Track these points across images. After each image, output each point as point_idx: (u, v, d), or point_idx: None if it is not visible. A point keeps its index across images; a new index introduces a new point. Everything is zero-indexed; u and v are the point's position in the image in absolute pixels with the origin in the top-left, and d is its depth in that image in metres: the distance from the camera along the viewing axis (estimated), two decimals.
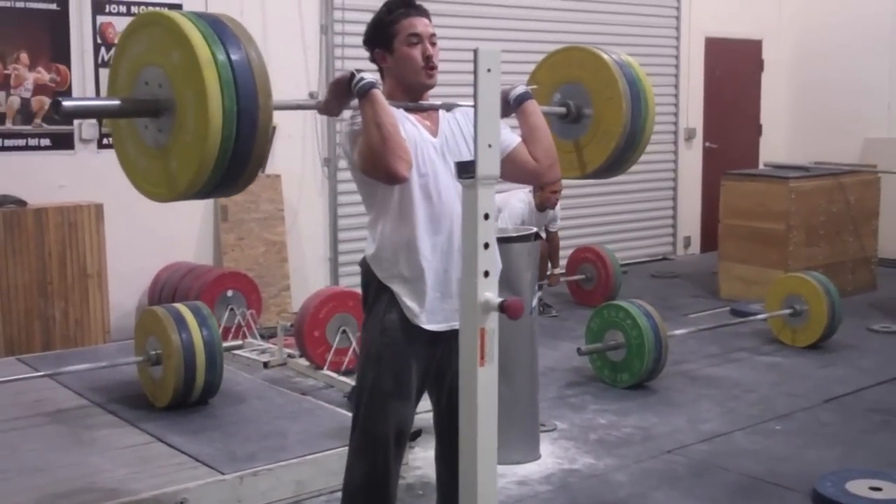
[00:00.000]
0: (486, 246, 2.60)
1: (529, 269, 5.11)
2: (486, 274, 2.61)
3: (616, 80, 3.94)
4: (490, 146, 2.59)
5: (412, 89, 3.31)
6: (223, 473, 4.52)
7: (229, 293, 7.46)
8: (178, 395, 5.50)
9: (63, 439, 5.14)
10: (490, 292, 2.62)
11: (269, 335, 7.54)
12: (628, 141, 3.93)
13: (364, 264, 3.40)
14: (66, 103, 2.71)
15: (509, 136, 3.36)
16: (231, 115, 2.68)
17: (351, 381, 6.12)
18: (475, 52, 2.56)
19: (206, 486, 4.41)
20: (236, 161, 2.75)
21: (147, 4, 7.63)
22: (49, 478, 4.54)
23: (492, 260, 2.66)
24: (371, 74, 3.10)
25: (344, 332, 6.53)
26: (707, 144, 11.78)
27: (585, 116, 4.01)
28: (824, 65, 12.07)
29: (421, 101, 3.31)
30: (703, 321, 8.08)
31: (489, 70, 2.54)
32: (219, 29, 2.77)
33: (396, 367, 3.27)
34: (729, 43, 11.86)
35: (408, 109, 3.25)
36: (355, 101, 3.09)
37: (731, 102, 12.04)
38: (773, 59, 12.43)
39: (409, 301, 3.25)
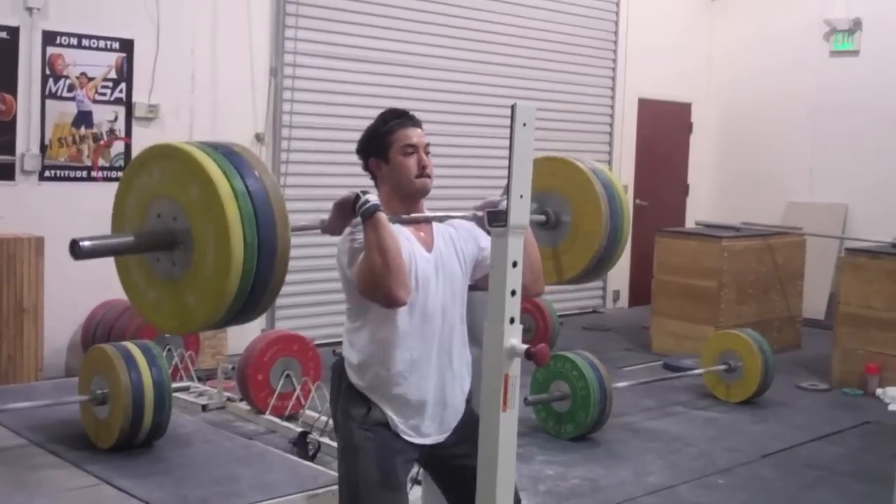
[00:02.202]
0: (514, 293, 2.63)
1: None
2: (512, 320, 2.64)
3: (592, 183, 4.05)
4: (522, 196, 2.64)
5: (408, 196, 3.32)
6: None
7: (167, 334, 7.34)
8: (123, 436, 5.39)
9: (6, 480, 4.99)
10: (515, 338, 2.65)
11: (205, 377, 7.43)
12: (610, 241, 4.03)
13: (339, 366, 3.36)
14: (85, 244, 2.66)
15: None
16: (252, 248, 2.65)
17: (294, 428, 6.08)
18: (513, 106, 2.62)
19: None
20: (256, 293, 2.71)
21: (98, 38, 7.57)
22: None
23: (517, 307, 2.69)
24: (374, 196, 3.10)
25: (288, 376, 6.47)
26: (637, 201, 11.97)
27: (563, 223, 4.10)
28: (750, 130, 12.41)
29: (415, 214, 3.31)
30: (639, 374, 8.19)
31: (524, 124, 2.61)
32: (234, 160, 2.75)
33: (380, 459, 3.21)
34: (660, 105, 12.14)
35: (402, 223, 3.25)
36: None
37: (661, 162, 12.29)
38: (701, 122, 12.75)
39: (391, 413, 3.24)
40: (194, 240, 2.72)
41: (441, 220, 3.39)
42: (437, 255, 3.30)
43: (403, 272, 3.02)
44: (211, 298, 2.69)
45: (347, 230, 3.17)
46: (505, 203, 3.31)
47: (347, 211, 3.07)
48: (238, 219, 2.63)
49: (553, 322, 8.88)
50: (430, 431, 3.28)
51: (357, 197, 3.05)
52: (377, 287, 3.00)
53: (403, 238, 3.20)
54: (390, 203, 3.27)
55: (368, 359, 3.24)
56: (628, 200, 4.17)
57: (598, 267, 4.12)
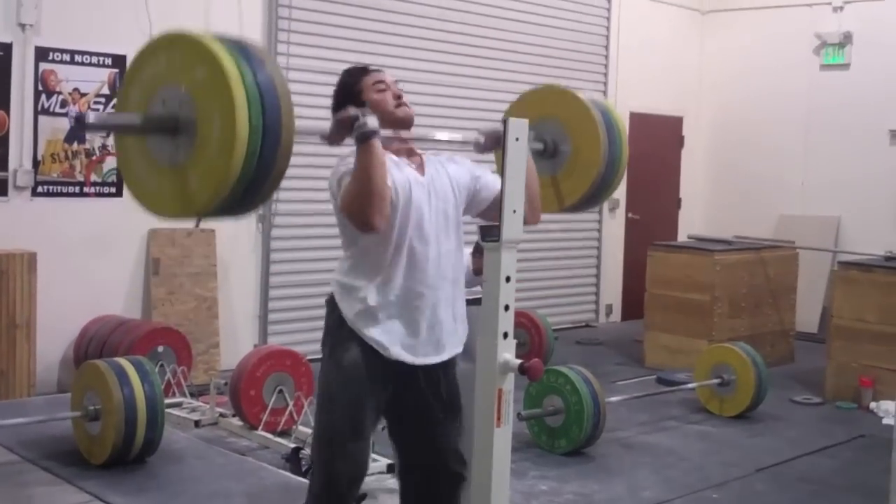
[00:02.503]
0: (507, 308, 2.63)
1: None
2: (506, 335, 2.63)
3: (590, 110, 4.05)
4: (515, 211, 2.64)
5: (394, 126, 3.44)
6: None
7: (160, 349, 7.33)
8: (116, 452, 5.38)
9: None
10: (509, 353, 2.65)
11: (197, 393, 7.41)
12: (608, 170, 4.02)
13: (331, 302, 3.48)
14: (91, 118, 2.73)
15: (494, 180, 3.50)
16: (257, 130, 2.67)
17: (286, 443, 6.06)
18: (504, 122, 2.62)
19: None
20: (258, 178, 2.74)
21: (90, 54, 7.57)
22: None
23: (510, 322, 2.69)
24: (374, 119, 3.18)
25: (280, 391, 6.44)
26: (630, 215, 12.00)
27: (562, 152, 4.10)
28: (741, 143, 12.44)
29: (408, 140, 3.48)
30: (632, 389, 8.18)
31: (517, 139, 2.61)
32: (243, 49, 2.78)
33: (352, 411, 3.37)
34: (652, 118, 12.16)
35: (398, 140, 3.41)
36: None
37: (652, 175, 12.30)
38: (692, 135, 12.78)
39: (382, 339, 3.34)
40: (199, 122, 2.75)
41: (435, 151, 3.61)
42: (429, 181, 3.42)
43: (385, 201, 3.13)
44: (213, 179, 2.72)
45: (345, 151, 3.32)
46: None
47: (346, 128, 3.18)
48: (244, 99, 2.66)
49: (548, 337, 8.87)
50: (427, 352, 3.40)
51: (357, 117, 3.16)
52: (355, 208, 3.13)
53: (393, 164, 3.33)
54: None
55: (360, 286, 3.35)
56: (625, 128, 4.16)
57: (596, 194, 4.11)
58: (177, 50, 2.86)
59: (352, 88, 3.51)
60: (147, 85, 2.90)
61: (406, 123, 3.48)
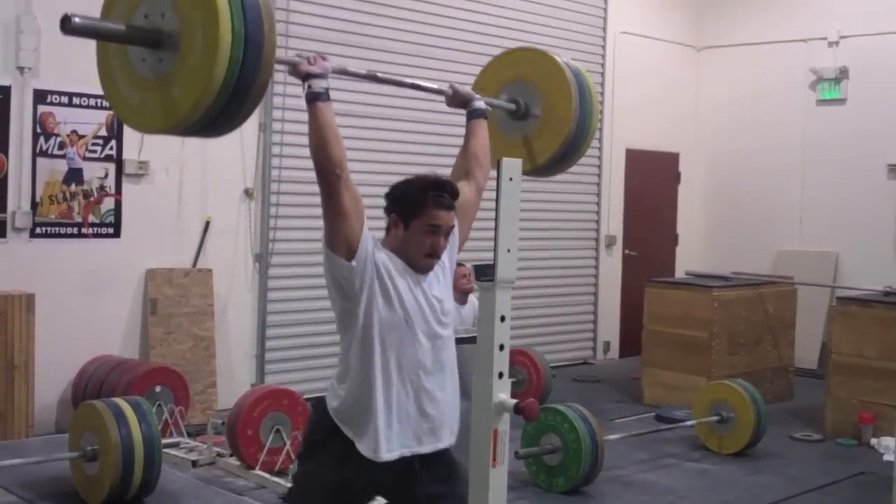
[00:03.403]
0: (502, 347, 2.63)
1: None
2: (501, 375, 2.63)
3: (563, 71, 4.15)
4: (509, 251, 2.64)
5: (410, 264, 3.38)
6: None
7: (158, 389, 7.31)
8: (113, 492, 5.39)
9: None
10: (504, 393, 2.65)
11: (194, 432, 7.40)
12: (579, 128, 4.08)
13: (319, 403, 3.45)
14: (76, 20, 2.74)
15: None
16: (239, 37, 2.74)
17: (284, 483, 6.04)
18: (499, 161, 2.64)
19: None
20: (241, 88, 2.79)
21: (88, 96, 7.61)
22: None
23: (506, 362, 2.69)
24: (320, 81, 3.22)
25: (278, 431, 6.44)
26: (626, 252, 12.02)
27: (533, 114, 4.14)
28: (738, 179, 12.48)
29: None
30: (631, 426, 8.15)
31: (511, 179, 2.62)
32: None
33: None
34: (648, 155, 12.20)
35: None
36: None
37: (649, 212, 12.34)
38: (689, 171, 12.82)
39: (378, 436, 3.26)
40: (182, 33, 2.81)
41: None
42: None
43: (337, 138, 3.20)
44: (197, 87, 2.77)
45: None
46: (480, 102, 3.73)
47: (298, 77, 3.22)
48: (227, 6, 2.73)
49: (546, 375, 8.85)
50: (410, 433, 3.32)
51: (304, 78, 3.20)
52: (317, 152, 3.17)
53: (401, 280, 3.31)
54: (396, 251, 3.37)
55: (355, 382, 3.33)
56: (597, 94, 4.22)
57: (566, 154, 4.18)
58: None
59: (411, 207, 3.39)
60: (128, 2, 2.96)
61: (420, 271, 3.39)
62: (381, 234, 3.44)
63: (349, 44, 9.00)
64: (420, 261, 3.35)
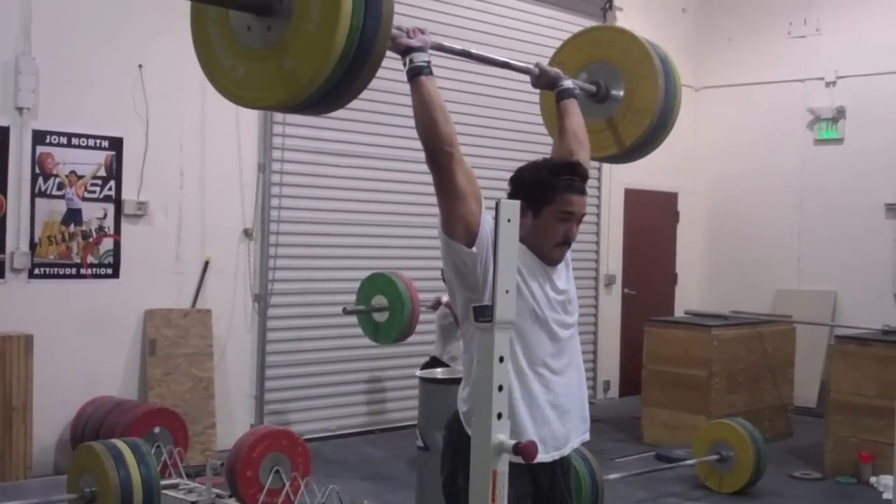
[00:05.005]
0: (500, 388, 2.62)
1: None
2: (500, 416, 2.63)
3: (651, 58, 3.93)
4: (507, 292, 2.65)
5: (539, 254, 3.28)
6: None
7: (156, 430, 7.29)
8: None
9: None
10: (503, 434, 2.64)
11: (194, 474, 7.36)
12: (660, 120, 3.93)
13: (452, 424, 3.32)
14: None
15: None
16: (360, 3, 2.58)
17: None
18: (497, 202, 2.64)
19: None
20: (360, 56, 2.62)
21: (87, 137, 7.65)
22: None
23: (504, 402, 2.68)
24: (421, 55, 3.07)
25: (277, 471, 6.40)
26: (626, 291, 12.03)
27: (613, 97, 4.00)
28: (737, 218, 12.52)
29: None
30: (631, 466, 8.13)
31: (509, 220, 2.62)
32: None
33: None
34: (647, 194, 12.24)
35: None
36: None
37: (648, 251, 12.36)
38: (688, 210, 12.85)
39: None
40: None
41: None
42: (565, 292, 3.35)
43: (444, 113, 3.08)
44: (315, 56, 2.58)
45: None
46: (567, 82, 3.64)
47: (398, 52, 3.08)
48: None
49: None
50: (558, 434, 3.32)
51: (404, 53, 3.06)
52: (425, 130, 3.06)
53: (535, 283, 3.23)
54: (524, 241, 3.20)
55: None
56: (681, 85, 4.04)
57: (643, 144, 4.03)
58: None
59: (543, 193, 3.25)
60: None
61: (551, 262, 3.29)
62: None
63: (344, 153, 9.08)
64: (554, 253, 3.25)
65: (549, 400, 3.23)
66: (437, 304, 7.56)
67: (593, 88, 4.04)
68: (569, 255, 3.38)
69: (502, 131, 10.41)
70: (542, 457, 3.15)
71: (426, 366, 7.34)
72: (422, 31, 3.11)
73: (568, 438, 3.35)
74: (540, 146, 10.51)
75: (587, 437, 3.48)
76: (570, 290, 3.36)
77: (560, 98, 3.71)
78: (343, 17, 2.55)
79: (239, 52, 2.79)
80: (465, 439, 2.97)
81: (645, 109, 3.95)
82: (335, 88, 2.69)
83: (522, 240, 3.11)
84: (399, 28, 3.01)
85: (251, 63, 2.76)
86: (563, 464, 3.42)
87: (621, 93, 4.01)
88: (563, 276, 3.34)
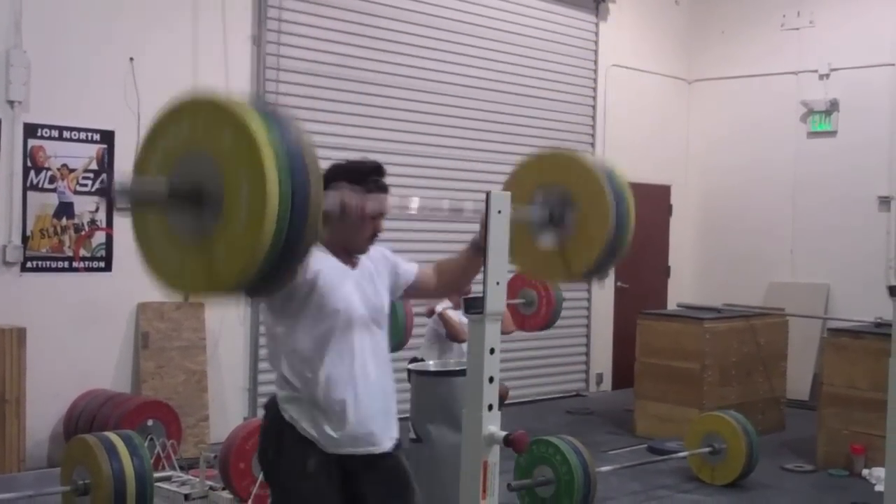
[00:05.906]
0: (491, 380, 2.63)
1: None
2: (490, 407, 2.64)
3: (604, 191, 3.85)
4: (498, 283, 2.65)
5: (349, 248, 3.46)
6: None
7: (149, 422, 7.30)
8: None
9: None
10: (494, 425, 2.65)
11: (187, 466, 7.36)
12: (609, 248, 3.92)
13: (273, 406, 3.47)
14: (118, 188, 2.61)
15: (407, 267, 3.65)
16: (286, 199, 2.50)
17: None
18: (487, 194, 2.65)
19: None
20: (287, 250, 2.55)
21: (79, 130, 7.64)
22: None
23: (495, 394, 2.70)
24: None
25: None
26: (619, 284, 12.03)
27: (567, 221, 3.97)
28: (730, 211, 12.54)
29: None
30: (623, 458, 8.14)
31: (500, 212, 2.63)
32: (268, 110, 2.62)
33: None
34: (639, 187, 12.04)
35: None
36: None
37: (641, 244, 12.17)
38: (680, 203, 12.87)
39: (328, 429, 3.32)
40: (226, 190, 2.56)
41: None
42: (358, 274, 3.46)
43: None
44: (244, 251, 2.53)
45: None
46: None
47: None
48: (274, 162, 2.49)
49: (557, 298, 8.61)
50: (361, 434, 3.38)
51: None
52: None
53: (328, 262, 3.36)
54: (330, 238, 3.38)
55: (294, 375, 3.41)
56: (631, 194, 3.99)
57: (606, 261, 4.00)
58: (199, 115, 2.68)
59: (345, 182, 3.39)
60: (167, 152, 2.72)
61: (356, 254, 3.49)
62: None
63: (341, 77, 9.08)
64: (363, 246, 3.47)
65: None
66: (430, 312, 7.55)
67: (547, 215, 3.97)
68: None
69: (498, 125, 10.42)
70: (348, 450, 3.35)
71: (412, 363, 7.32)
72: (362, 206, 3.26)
73: None
74: (537, 139, 10.59)
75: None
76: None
77: (475, 252, 3.58)
78: (269, 213, 2.49)
79: (173, 244, 2.74)
80: (279, 420, 3.37)
81: (600, 230, 3.86)
82: (264, 279, 2.63)
83: (326, 244, 3.36)
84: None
85: (184, 254, 2.71)
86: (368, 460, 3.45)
87: (575, 216, 3.98)
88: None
